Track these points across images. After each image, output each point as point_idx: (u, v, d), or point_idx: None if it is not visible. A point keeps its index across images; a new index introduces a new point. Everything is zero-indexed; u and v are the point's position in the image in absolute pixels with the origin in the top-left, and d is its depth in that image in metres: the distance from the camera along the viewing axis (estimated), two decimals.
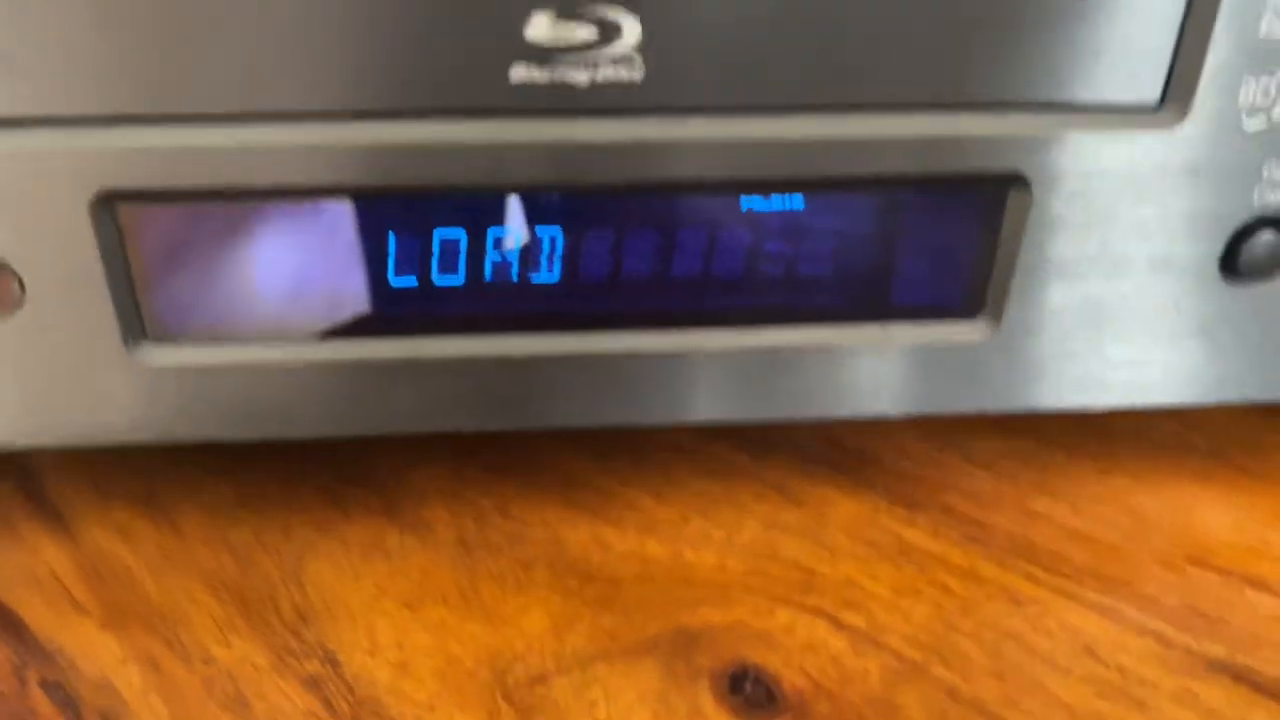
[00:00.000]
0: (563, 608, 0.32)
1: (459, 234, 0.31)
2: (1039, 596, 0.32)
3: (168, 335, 0.31)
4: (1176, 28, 0.28)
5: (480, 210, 0.30)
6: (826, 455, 0.38)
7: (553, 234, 0.31)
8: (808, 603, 0.32)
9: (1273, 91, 0.29)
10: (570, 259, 0.31)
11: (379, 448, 0.37)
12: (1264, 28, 0.28)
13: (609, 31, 0.27)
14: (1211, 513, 0.35)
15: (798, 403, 0.33)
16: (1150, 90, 0.29)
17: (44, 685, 0.28)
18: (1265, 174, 0.30)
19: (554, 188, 0.30)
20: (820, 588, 0.32)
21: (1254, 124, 0.29)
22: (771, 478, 0.36)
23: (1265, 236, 0.31)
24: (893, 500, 0.36)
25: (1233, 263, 0.31)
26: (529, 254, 0.31)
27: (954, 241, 0.31)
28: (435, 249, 0.31)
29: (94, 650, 0.30)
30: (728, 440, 0.38)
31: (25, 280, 0.29)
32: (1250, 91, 0.29)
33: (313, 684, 0.29)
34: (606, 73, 0.27)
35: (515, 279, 0.31)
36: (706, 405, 0.33)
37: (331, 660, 0.30)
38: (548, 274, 0.32)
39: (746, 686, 0.29)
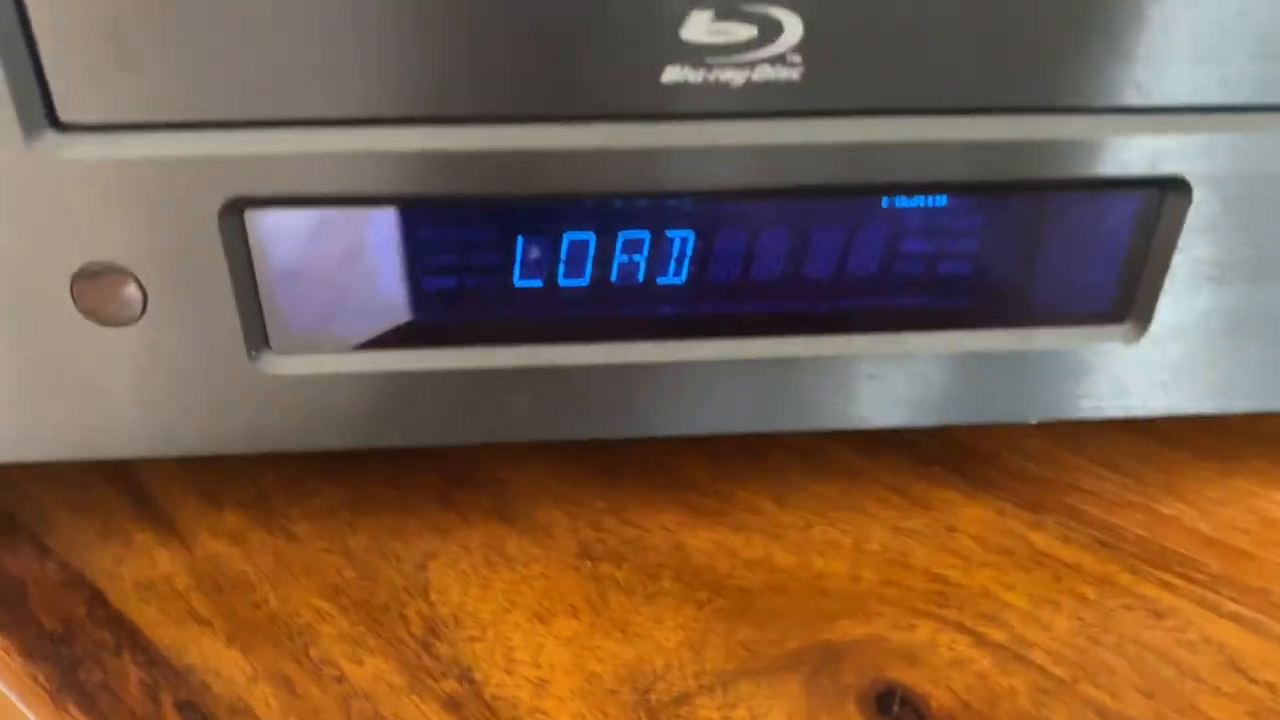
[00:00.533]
0: (695, 620, 0.31)
1: (588, 236, 0.30)
2: (1178, 607, 0.32)
3: (291, 344, 0.29)
4: None
5: (612, 213, 0.29)
6: (942, 454, 0.37)
7: (685, 236, 0.30)
8: (947, 615, 0.31)
9: None
10: (702, 262, 0.30)
11: (482, 448, 0.36)
12: None
13: (769, 30, 0.25)
14: None
15: (936, 408, 0.32)
16: None
17: (179, 706, 0.28)
18: None
19: (700, 194, 0.28)
20: (957, 600, 0.31)
21: None
22: (890, 479, 0.36)
23: None
24: (1018, 503, 0.35)
25: None
26: (660, 257, 0.30)
27: (1106, 245, 0.30)
28: (564, 252, 0.30)
29: (224, 668, 0.29)
30: (842, 440, 0.37)
31: (149, 289, 0.28)
32: None
33: (452, 705, 0.28)
34: (764, 72, 0.26)
35: (642, 281, 0.30)
36: (844, 411, 0.32)
37: (468, 678, 0.29)
38: (675, 277, 0.30)
39: (894, 707, 0.28)
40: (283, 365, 0.29)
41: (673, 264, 0.30)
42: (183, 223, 0.27)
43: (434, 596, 0.31)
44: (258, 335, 0.29)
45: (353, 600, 0.31)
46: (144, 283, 0.28)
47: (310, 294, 0.29)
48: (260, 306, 0.29)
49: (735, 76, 0.26)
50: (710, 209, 0.29)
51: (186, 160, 0.26)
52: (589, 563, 0.32)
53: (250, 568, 0.32)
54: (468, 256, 0.29)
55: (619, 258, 0.30)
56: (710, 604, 0.31)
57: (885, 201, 0.29)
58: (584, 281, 0.30)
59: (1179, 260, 0.30)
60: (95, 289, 0.27)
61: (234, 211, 0.27)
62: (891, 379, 0.31)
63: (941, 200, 0.30)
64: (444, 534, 0.33)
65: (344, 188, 0.27)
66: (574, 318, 0.31)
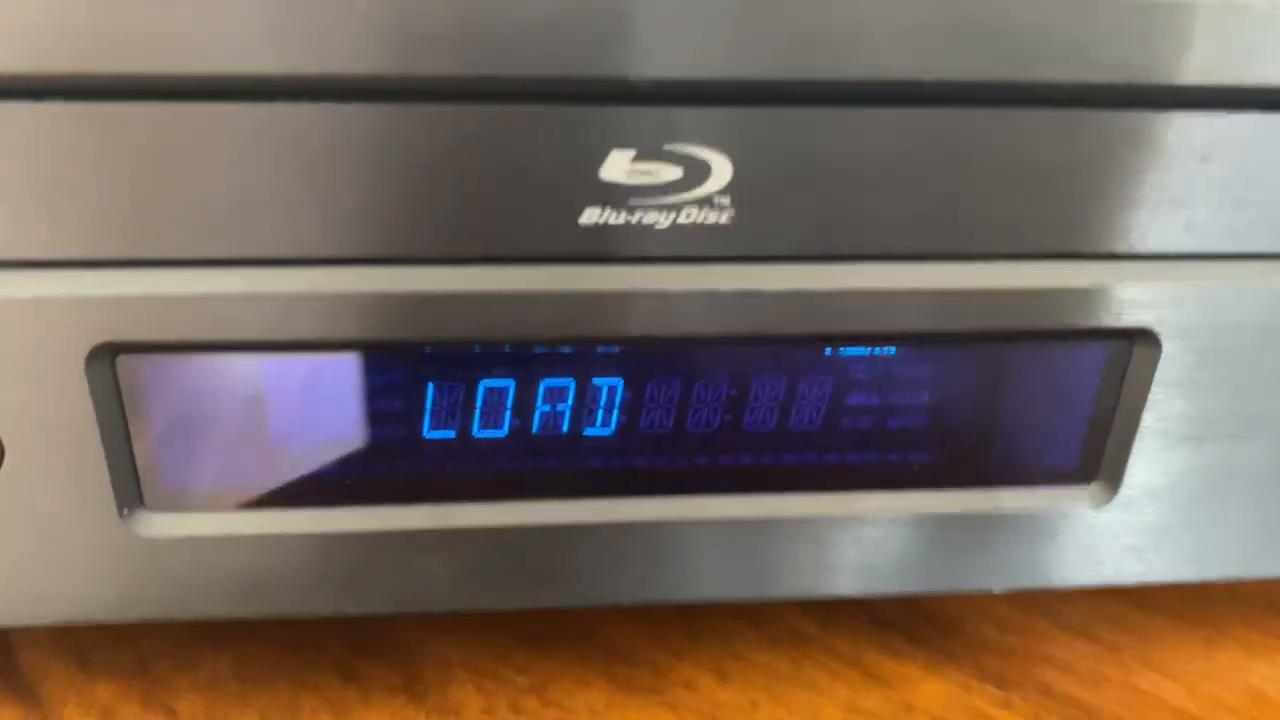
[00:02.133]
0: None
1: (507, 384, 0.27)
2: None
3: (168, 502, 0.26)
4: None
5: (533, 360, 0.27)
6: (901, 621, 0.34)
7: (612, 384, 0.27)
8: None
9: None
10: (630, 413, 0.27)
11: (398, 615, 0.33)
12: None
13: (695, 172, 0.23)
14: None
15: (880, 577, 0.29)
16: None
17: None
18: None
19: (623, 340, 0.26)
20: None
21: None
22: (844, 650, 0.32)
23: None
24: (983, 677, 0.32)
25: None
26: (583, 406, 0.27)
27: (1071, 400, 0.28)
28: (479, 400, 0.27)
29: None
30: (792, 606, 0.34)
31: (7, 441, 0.25)
32: None
33: None
34: (691, 215, 0.24)
35: (566, 432, 0.28)
36: (778, 579, 0.29)
37: None
38: (603, 428, 0.28)
39: None
40: (157, 525, 0.26)
41: (600, 413, 0.28)
42: (46, 370, 0.24)
43: None
44: (130, 492, 0.26)
45: None
46: (2, 435, 0.25)
47: (187, 448, 0.26)
48: (133, 461, 0.26)
49: (660, 219, 0.24)
50: (641, 355, 0.27)
51: (51, 301, 0.23)
52: None
53: None
54: (371, 404, 0.27)
55: (540, 407, 0.27)
56: None
57: (829, 350, 0.27)
58: (502, 433, 0.28)
59: (1150, 417, 0.27)
60: None
61: (103, 358, 0.24)
62: (841, 544, 0.28)
63: (890, 350, 0.27)
64: (341, 712, 0.30)
65: (229, 334, 0.24)
66: (491, 472, 0.28)
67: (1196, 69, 0.23)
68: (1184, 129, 0.24)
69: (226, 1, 0.20)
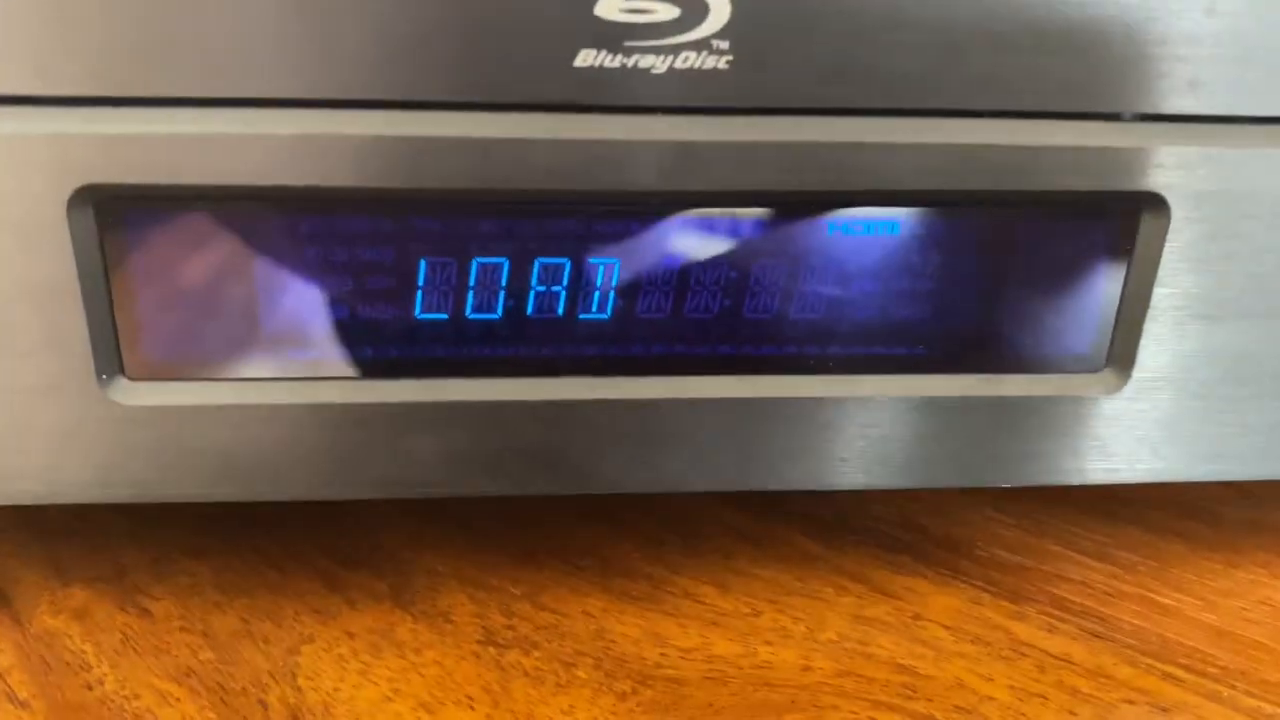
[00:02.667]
0: (614, 712, 0.26)
1: (500, 261, 0.26)
2: (1188, 701, 0.27)
3: (148, 369, 0.26)
4: None
5: (525, 234, 0.26)
6: (909, 543, 0.32)
7: (609, 262, 0.27)
8: (915, 709, 0.26)
9: None
10: (627, 290, 0.27)
11: (383, 525, 0.32)
12: None
13: (694, 12, 0.23)
14: None
15: (886, 469, 0.28)
16: None
17: None
18: None
19: (616, 196, 0.25)
20: (927, 691, 0.27)
21: None
22: (850, 567, 0.31)
23: None
24: (996, 592, 0.30)
25: None
26: (579, 284, 0.26)
27: (1078, 277, 0.27)
28: (472, 278, 0.26)
29: None
30: (796, 525, 0.33)
31: None
32: None
33: None
34: (688, 59, 0.23)
35: (561, 313, 0.27)
36: (779, 469, 0.28)
37: None
38: (599, 311, 0.27)
39: None
40: (137, 394, 0.25)
41: (596, 296, 0.27)
42: (26, 217, 0.23)
43: (303, 682, 0.26)
44: (110, 358, 0.25)
45: (206, 684, 0.26)
46: None
47: (171, 312, 0.25)
48: (114, 323, 0.25)
49: (656, 63, 0.23)
50: (639, 230, 0.26)
51: (32, 140, 0.23)
52: (493, 650, 0.28)
53: (90, 646, 0.27)
54: (362, 279, 0.26)
55: (535, 287, 0.27)
56: (634, 695, 0.26)
57: (832, 228, 0.26)
58: (496, 315, 0.27)
59: (1161, 294, 0.27)
60: None
61: (86, 203, 0.24)
62: (845, 433, 0.28)
63: (894, 227, 0.27)
64: (326, 617, 0.28)
65: (219, 177, 0.23)
66: (480, 354, 0.27)
67: None
68: None
69: None
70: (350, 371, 0.26)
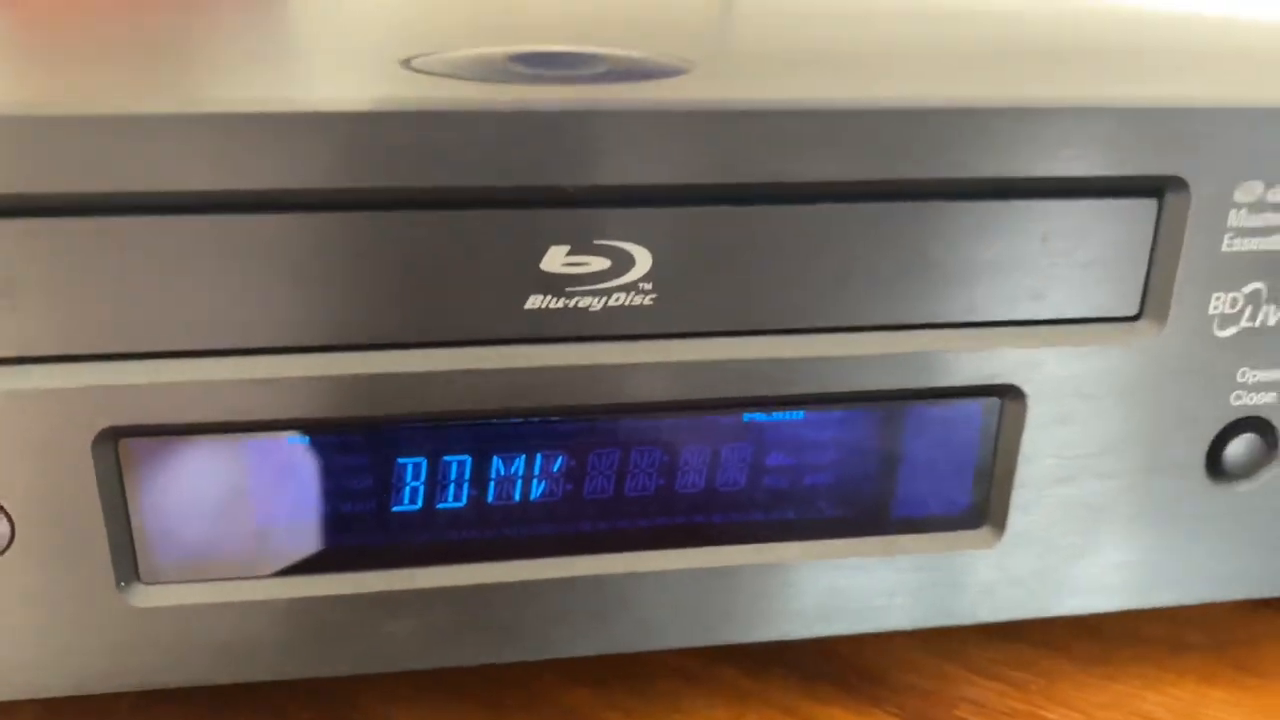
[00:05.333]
0: None
1: (465, 459, 0.31)
2: None
3: (161, 575, 0.29)
4: (1148, 247, 0.30)
5: (487, 435, 0.30)
6: (829, 671, 0.37)
7: (560, 456, 0.31)
8: None
9: (1239, 303, 0.31)
10: (576, 479, 0.31)
11: (365, 686, 0.35)
12: (1225, 245, 0.30)
13: (621, 262, 0.28)
14: (1223, 714, 0.35)
15: (807, 621, 0.33)
16: (1129, 304, 0.31)
17: None
18: (1240, 378, 0.32)
19: (565, 411, 0.30)
20: None
21: (1225, 332, 0.31)
22: (778, 699, 0.35)
23: (1244, 437, 0.32)
24: (907, 717, 0.35)
25: (1217, 463, 0.33)
26: (534, 475, 0.31)
27: (955, 452, 0.32)
28: (441, 475, 0.31)
29: None
30: (734, 663, 0.37)
31: (16, 521, 0.28)
32: (1219, 303, 0.31)
33: None
34: (619, 299, 0.28)
35: (518, 500, 0.31)
36: (711, 627, 0.32)
37: None
38: (552, 495, 0.31)
39: None
40: (153, 597, 0.29)
41: (547, 483, 0.31)
42: (54, 455, 0.27)
43: None
44: (128, 567, 0.29)
45: None
46: (12, 515, 0.28)
47: (181, 524, 0.29)
48: (131, 537, 0.29)
49: (593, 303, 0.28)
50: (581, 429, 0.30)
51: (61, 392, 0.27)
52: None
53: None
54: (342, 483, 0.30)
55: (495, 478, 0.31)
56: None
57: (745, 416, 0.31)
58: (461, 503, 0.31)
59: (1025, 462, 0.32)
60: None
61: (108, 441, 0.27)
62: (772, 591, 0.32)
63: (798, 414, 0.31)
64: None
65: (216, 415, 0.28)
66: (451, 539, 0.31)
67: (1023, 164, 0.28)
68: (1026, 214, 0.29)
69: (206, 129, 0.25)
70: (333, 565, 0.30)
